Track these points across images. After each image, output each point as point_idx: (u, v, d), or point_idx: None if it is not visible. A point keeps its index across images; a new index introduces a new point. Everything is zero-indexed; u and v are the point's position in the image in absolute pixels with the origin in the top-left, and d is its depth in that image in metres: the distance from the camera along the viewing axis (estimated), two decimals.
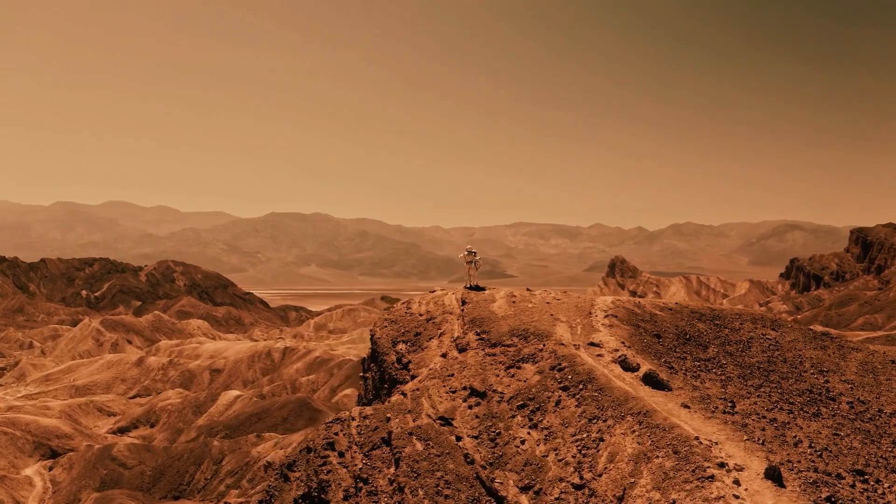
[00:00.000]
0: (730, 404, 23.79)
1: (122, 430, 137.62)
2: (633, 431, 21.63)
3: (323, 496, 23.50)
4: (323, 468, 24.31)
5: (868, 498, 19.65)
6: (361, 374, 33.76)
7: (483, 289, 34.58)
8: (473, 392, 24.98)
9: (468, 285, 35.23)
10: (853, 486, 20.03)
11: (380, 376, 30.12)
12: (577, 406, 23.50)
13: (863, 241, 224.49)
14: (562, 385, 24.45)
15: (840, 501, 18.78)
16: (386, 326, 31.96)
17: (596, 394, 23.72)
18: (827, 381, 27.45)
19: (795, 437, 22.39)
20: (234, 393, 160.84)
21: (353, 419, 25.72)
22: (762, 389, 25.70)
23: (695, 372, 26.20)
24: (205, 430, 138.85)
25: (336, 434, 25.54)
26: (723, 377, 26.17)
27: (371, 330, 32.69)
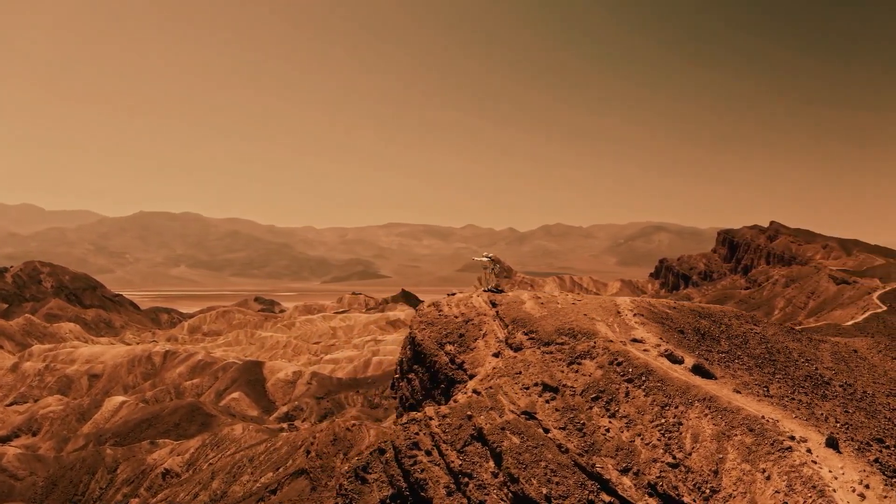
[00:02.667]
0: (764, 389, 27.82)
1: (2, 440, 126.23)
2: (706, 415, 24.93)
3: (422, 494, 24.68)
4: (415, 468, 25.45)
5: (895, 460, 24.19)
6: (399, 375, 34.74)
7: (501, 290, 36.80)
8: (546, 387, 27.19)
9: (486, 288, 37.25)
10: (881, 451, 24.52)
11: (430, 377, 31.43)
12: (645, 396, 26.45)
13: (729, 242, 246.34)
14: (626, 378, 27.31)
15: (883, 462, 23.11)
16: (425, 329, 33.28)
17: (659, 384, 26.81)
18: (816, 369, 32.45)
19: (822, 414, 26.75)
20: (119, 399, 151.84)
21: (432, 419, 27.00)
22: (777, 377, 30.07)
23: (724, 363, 30.11)
24: (93, 438, 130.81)
25: (417, 434, 26.72)
26: (744, 367, 30.29)
27: (410, 333, 33.85)
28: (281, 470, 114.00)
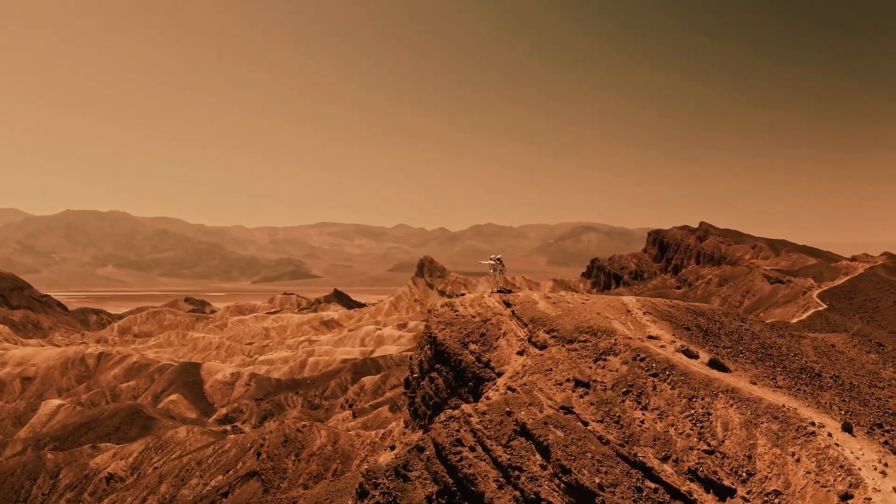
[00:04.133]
0: (773, 381, 30.13)
1: None
2: (732, 405, 26.89)
3: (472, 488, 25.50)
4: (462, 463, 26.23)
5: None
6: (418, 374, 35.26)
7: (509, 290, 38.02)
8: (579, 383, 28.54)
9: (495, 289, 38.38)
10: (883, 434, 27.15)
11: (455, 375, 32.23)
12: (672, 389, 28.20)
13: (660, 242, 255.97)
14: (651, 372, 28.99)
15: (892, 444, 25.68)
16: (444, 328, 34.05)
17: (682, 377, 28.63)
18: (806, 363, 35.23)
19: (826, 403, 29.27)
20: (56, 402, 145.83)
21: (471, 416, 27.84)
22: (777, 370, 32.54)
23: (731, 357, 32.32)
24: (32, 443, 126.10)
25: (458, 431, 27.50)
26: (749, 361, 32.62)
27: (429, 333, 34.48)
28: (231, 473, 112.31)
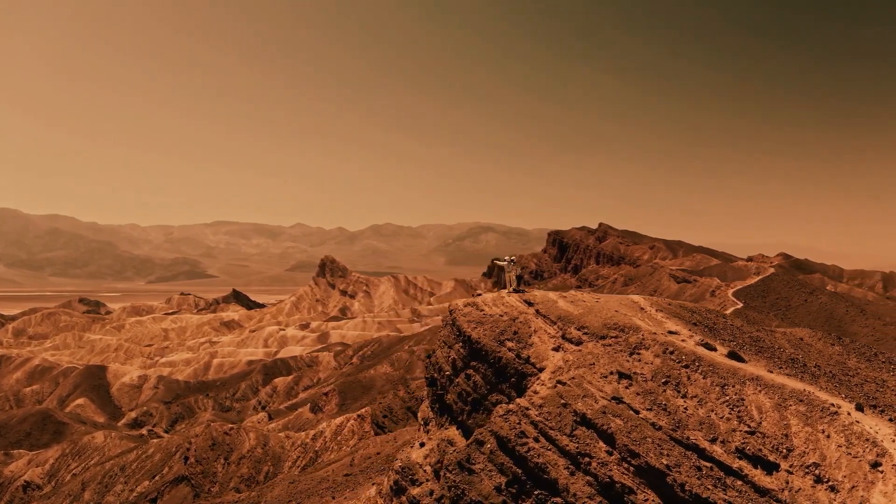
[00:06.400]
0: (780, 369, 33.78)
1: None
2: (760, 391, 30.08)
3: (545, 476, 27.08)
4: (530, 454, 27.73)
5: None
6: (450, 372, 36.19)
7: (523, 290, 39.89)
8: (622, 375, 30.78)
9: (511, 289, 40.11)
10: (880, 414, 31.31)
11: (494, 372, 33.64)
12: (704, 378, 31.05)
13: (559, 242, 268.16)
14: (682, 364, 31.72)
15: (895, 421, 29.77)
16: (476, 327, 35.35)
17: (711, 368, 31.58)
18: (789, 354, 39.49)
19: (825, 387, 33.24)
20: None
21: (528, 409, 29.39)
22: (774, 360, 36.39)
23: (738, 349, 35.74)
24: None
25: (519, 424, 28.96)
26: (752, 353, 36.23)
27: (462, 332, 35.59)
28: (158, 478, 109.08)
